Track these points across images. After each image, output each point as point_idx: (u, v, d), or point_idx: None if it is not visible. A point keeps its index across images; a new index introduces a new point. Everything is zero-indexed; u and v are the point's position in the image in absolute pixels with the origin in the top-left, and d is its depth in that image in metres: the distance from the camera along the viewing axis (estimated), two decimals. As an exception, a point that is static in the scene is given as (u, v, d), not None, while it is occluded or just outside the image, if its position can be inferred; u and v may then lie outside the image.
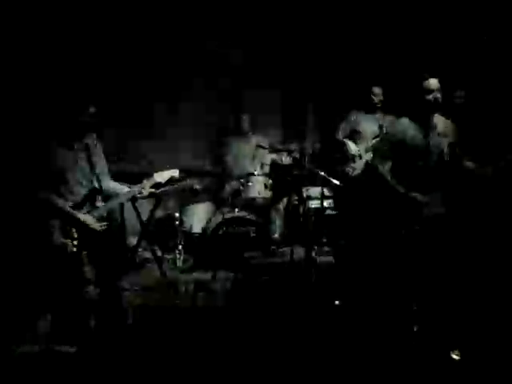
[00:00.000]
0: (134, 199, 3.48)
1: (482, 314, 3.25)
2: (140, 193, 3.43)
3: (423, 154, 3.38)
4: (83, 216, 3.19)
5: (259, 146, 5.15)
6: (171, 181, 3.66)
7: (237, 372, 2.91)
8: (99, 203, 3.33)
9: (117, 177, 3.63)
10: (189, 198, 5.33)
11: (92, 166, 3.28)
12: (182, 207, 5.19)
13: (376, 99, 5.15)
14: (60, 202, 3.17)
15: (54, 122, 3.29)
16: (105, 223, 3.30)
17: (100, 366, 2.95)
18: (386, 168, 3.46)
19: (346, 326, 3.43)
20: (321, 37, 6.11)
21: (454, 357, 2.94)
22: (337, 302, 3.84)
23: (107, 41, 5.53)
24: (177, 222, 5.10)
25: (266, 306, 3.89)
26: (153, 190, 3.52)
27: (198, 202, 5.42)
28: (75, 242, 3.16)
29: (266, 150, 5.28)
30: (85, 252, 3.22)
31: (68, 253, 3.14)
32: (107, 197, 3.43)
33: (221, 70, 6.14)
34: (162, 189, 4.14)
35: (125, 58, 5.70)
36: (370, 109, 5.19)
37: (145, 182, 3.44)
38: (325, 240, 5.44)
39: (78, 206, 3.22)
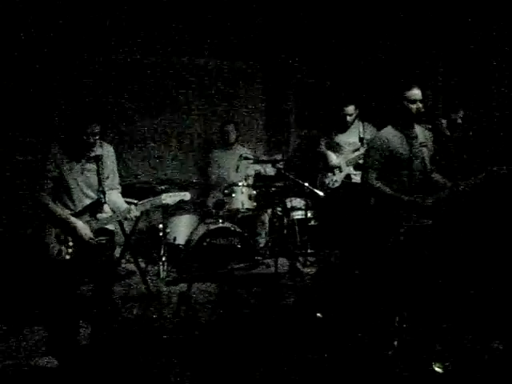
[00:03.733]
0: (126, 219, 3.40)
1: (465, 326, 3.26)
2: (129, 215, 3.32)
3: (408, 162, 3.41)
4: (80, 224, 3.15)
5: (243, 158, 5.16)
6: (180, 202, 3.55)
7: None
8: (104, 214, 3.29)
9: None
10: (173, 209, 5.31)
11: (100, 178, 3.26)
12: (166, 219, 5.16)
13: (350, 118, 5.21)
14: (58, 210, 3.13)
15: (61, 136, 3.26)
16: (101, 238, 3.26)
17: (91, 374, 2.91)
18: (375, 178, 3.46)
19: (327, 338, 3.41)
20: (302, 45, 6.19)
21: (437, 369, 2.93)
22: (318, 315, 3.80)
23: (92, 54, 5.56)
24: (160, 234, 5.06)
25: (251, 317, 3.88)
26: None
27: (181, 213, 5.40)
28: (70, 250, 3.12)
29: (251, 161, 5.29)
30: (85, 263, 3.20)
31: (62, 260, 3.10)
32: None
33: (206, 82, 6.17)
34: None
35: (110, 73, 5.73)
36: (345, 127, 5.25)
37: (131, 209, 3.31)
38: (309, 250, 5.45)
39: (76, 215, 3.18)
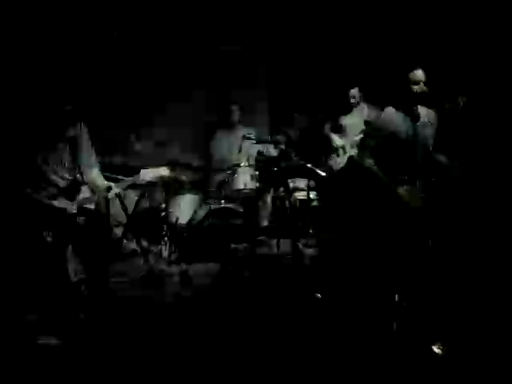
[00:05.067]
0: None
1: (465, 307, 3.26)
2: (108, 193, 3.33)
3: (411, 144, 3.41)
4: (60, 202, 3.15)
5: (246, 138, 5.13)
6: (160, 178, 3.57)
7: (224, 366, 2.90)
8: (83, 194, 3.29)
9: (106, 169, 3.59)
10: (175, 189, 5.31)
11: (75, 159, 3.24)
12: (168, 199, 5.16)
13: (354, 101, 5.19)
14: (33, 193, 3.13)
15: (33, 117, 3.23)
16: (82, 218, 3.26)
17: (88, 358, 2.92)
18: (368, 155, 3.47)
19: (327, 319, 3.43)
20: (306, 29, 6.12)
21: (436, 350, 2.94)
22: (318, 295, 3.82)
23: (97, 39, 5.50)
24: (163, 214, 5.06)
25: (253, 298, 3.89)
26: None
27: (184, 193, 5.39)
28: (51, 233, 3.12)
29: (253, 142, 5.26)
30: (69, 244, 3.20)
31: (46, 243, 3.10)
32: None
33: (208, 62, 6.11)
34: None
35: (114, 56, 5.67)
36: (349, 109, 5.22)
37: (112, 186, 3.34)
38: (311, 232, 5.45)
39: (54, 198, 3.18)
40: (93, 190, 3.35)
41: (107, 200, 4.30)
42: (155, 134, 6.01)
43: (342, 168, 5.15)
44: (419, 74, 3.38)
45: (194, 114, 6.16)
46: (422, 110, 3.49)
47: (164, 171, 3.49)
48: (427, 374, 2.74)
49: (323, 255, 4.68)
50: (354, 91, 5.18)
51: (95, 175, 3.40)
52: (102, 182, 3.35)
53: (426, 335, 3.03)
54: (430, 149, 3.45)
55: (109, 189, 3.27)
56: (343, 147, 5.18)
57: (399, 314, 3.18)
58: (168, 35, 5.90)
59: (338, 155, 5.22)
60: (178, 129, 6.08)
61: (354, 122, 5.22)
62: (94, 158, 3.44)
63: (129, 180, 3.38)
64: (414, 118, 3.45)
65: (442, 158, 3.52)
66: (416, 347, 2.95)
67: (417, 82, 3.36)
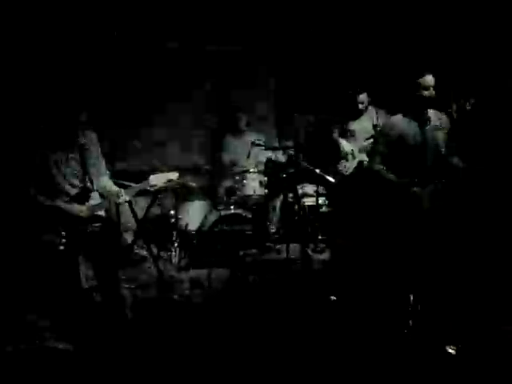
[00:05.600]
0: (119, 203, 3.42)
1: (478, 308, 3.27)
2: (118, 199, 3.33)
3: (420, 149, 3.41)
4: (74, 206, 3.18)
5: (255, 144, 5.16)
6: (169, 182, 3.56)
7: (234, 369, 2.91)
8: (92, 201, 3.32)
9: (116, 176, 3.61)
10: (185, 195, 5.33)
11: (84, 166, 3.27)
12: (178, 205, 5.18)
13: (362, 106, 5.19)
14: (46, 200, 3.15)
15: (45, 124, 3.26)
16: (94, 225, 3.28)
17: (99, 363, 2.94)
18: (379, 162, 3.48)
19: (342, 321, 3.44)
20: (312, 34, 6.13)
21: (450, 351, 2.96)
22: (332, 298, 3.85)
23: (99, 42, 5.53)
24: (172, 220, 5.09)
25: (263, 303, 3.90)
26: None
27: (193, 199, 5.41)
28: (63, 240, 3.14)
29: (262, 148, 5.28)
30: (80, 250, 3.23)
31: (58, 250, 3.13)
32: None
33: (215, 69, 6.15)
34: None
35: (117, 59, 5.71)
36: (357, 114, 5.23)
37: (121, 192, 3.32)
38: (320, 237, 5.46)
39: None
40: (103, 197, 3.37)
41: (118, 206, 4.38)
42: (163, 140, 6.04)
43: (351, 173, 5.15)
44: (429, 79, 3.39)
45: (198, 117, 6.18)
46: (433, 114, 3.49)
47: (173, 175, 3.48)
48: (441, 375, 2.75)
49: (336, 260, 4.68)
50: (363, 96, 5.17)
51: (106, 182, 3.42)
52: (113, 189, 3.38)
53: (440, 336, 3.04)
54: (443, 152, 3.44)
55: (118, 195, 3.29)
56: (352, 152, 5.18)
57: (414, 316, 3.20)
58: (169, 37, 5.90)
59: (347, 160, 5.21)
60: (181, 131, 6.12)
61: (363, 126, 5.22)
62: (103, 166, 3.46)
63: (138, 186, 3.39)
64: (424, 122, 3.45)
65: (455, 161, 3.51)
66: (430, 348, 2.96)
67: (427, 88, 3.37)
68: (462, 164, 3.45)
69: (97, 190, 3.36)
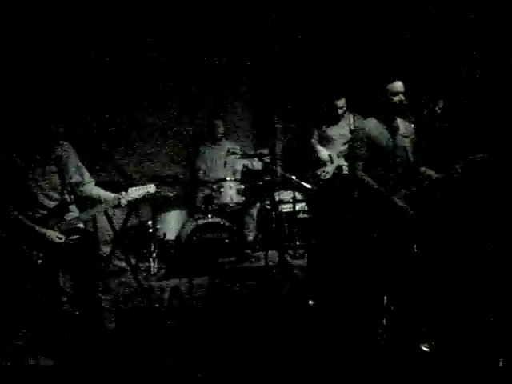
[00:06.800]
0: (117, 207, 3.43)
1: (453, 307, 3.35)
2: (119, 205, 3.41)
3: (391, 154, 3.46)
4: (47, 231, 3.16)
5: (231, 153, 5.19)
6: (146, 196, 3.56)
7: (215, 376, 2.93)
8: (71, 213, 3.32)
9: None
10: (162, 205, 5.34)
11: (63, 179, 3.27)
12: (156, 215, 5.18)
13: (341, 111, 5.24)
14: (25, 220, 3.13)
15: (20, 138, 3.24)
16: (74, 237, 3.27)
17: (80, 376, 2.93)
18: (361, 168, 3.51)
19: (319, 323, 3.49)
20: (289, 41, 6.21)
21: (425, 349, 3.02)
22: (310, 302, 3.89)
23: (80, 53, 5.55)
24: (150, 230, 5.09)
25: (242, 310, 3.93)
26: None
27: (171, 209, 5.42)
28: (41, 254, 3.13)
29: (238, 156, 5.32)
30: (58, 263, 3.22)
31: (36, 264, 3.11)
32: (84, 205, 3.43)
33: (192, 78, 6.18)
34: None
35: (96, 69, 5.71)
36: (336, 120, 5.29)
37: (121, 196, 3.38)
38: (298, 243, 5.51)
39: (44, 219, 3.20)
40: (101, 201, 3.37)
41: (95, 219, 4.36)
42: (138, 149, 6.05)
43: (329, 178, 5.21)
44: (398, 85, 3.41)
45: (174, 126, 6.21)
46: (400, 123, 3.54)
47: (150, 189, 3.51)
48: (417, 373, 2.81)
49: (313, 264, 4.73)
50: (342, 102, 5.22)
51: (94, 190, 3.44)
52: (108, 194, 3.40)
53: (414, 335, 3.10)
54: (411, 160, 3.49)
55: (119, 198, 3.32)
56: (330, 158, 5.22)
57: (387, 316, 3.26)
58: (146, 46, 5.93)
59: (325, 165, 5.26)
60: (160, 142, 6.14)
61: (341, 132, 5.26)
62: (87, 174, 3.46)
63: (121, 197, 3.40)
64: (394, 129, 3.51)
65: (426, 170, 3.56)
66: (405, 346, 3.03)
67: (395, 93, 3.40)
68: (434, 174, 3.49)
69: (74, 203, 3.35)
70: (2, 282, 3.24)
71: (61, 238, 3.18)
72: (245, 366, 3.00)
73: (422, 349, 3.02)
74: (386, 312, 3.29)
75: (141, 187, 3.49)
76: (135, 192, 3.44)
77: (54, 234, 3.17)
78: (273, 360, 3.05)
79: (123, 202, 3.37)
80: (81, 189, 3.41)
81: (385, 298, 3.32)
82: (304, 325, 3.51)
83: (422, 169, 3.52)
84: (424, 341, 3.06)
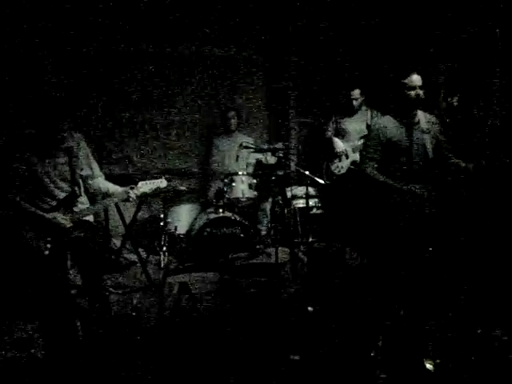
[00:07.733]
0: (127, 201, 3.39)
1: (458, 323, 3.22)
2: (128, 199, 3.37)
3: (407, 150, 3.38)
4: (57, 215, 3.13)
5: (244, 146, 5.12)
6: (157, 191, 3.50)
7: (225, 373, 2.88)
8: (81, 205, 3.29)
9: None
10: (173, 199, 5.30)
11: (73, 170, 3.23)
12: (167, 208, 5.15)
13: (356, 103, 5.19)
14: (32, 208, 3.10)
15: (30, 130, 3.22)
16: (80, 230, 3.23)
17: (87, 370, 2.89)
18: (372, 167, 3.44)
19: (318, 331, 3.39)
20: (303, 36, 6.14)
21: (428, 366, 2.89)
22: (310, 309, 3.78)
23: (91, 44, 5.54)
24: (161, 224, 5.05)
25: (253, 306, 3.87)
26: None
27: (182, 203, 5.38)
28: (48, 245, 3.10)
29: (251, 150, 5.26)
30: (68, 255, 3.19)
31: (44, 255, 3.08)
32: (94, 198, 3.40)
33: (207, 70, 6.13)
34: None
35: (110, 61, 5.70)
36: (351, 111, 5.22)
37: (130, 190, 3.33)
38: (311, 239, 5.43)
39: (53, 210, 3.16)
40: (94, 200, 3.34)
41: (107, 211, 4.33)
42: (151, 142, 6.01)
43: (344, 173, 5.14)
44: (415, 78, 3.35)
45: (187, 119, 6.15)
46: (422, 116, 3.47)
47: (161, 183, 3.47)
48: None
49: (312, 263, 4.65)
50: (357, 92, 5.18)
51: (103, 184, 3.40)
52: (116, 188, 3.36)
53: (418, 350, 2.98)
54: (430, 156, 3.39)
55: (128, 192, 3.29)
56: (346, 152, 5.16)
57: (392, 329, 3.14)
58: (168, 40, 5.92)
59: (340, 160, 5.20)
60: (171, 134, 6.09)
61: (357, 126, 5.21)
62: (96, 168, 3.43)
63: (131, 192, 3.36)
64: (411, 124, 3.42)
65: (456, 161, 3.46)
66: (409, 362, 2.91)
67: (412, 88, 3.34)
68: (463, 163, 3.40)
69: (81, 195, 3.32)
70: (7, 271, 3.24)
71: (68, 222, 3.15)
72: (245, 366, 2.95)
73: (424, 365, 2.87)
74: (389, 322, 3.16)
75: (152, 181, 3.45)
76: (145, 186, 3.40)
77: (61, 217, 3.13)
78: (279, 357, 2.99)
79: (132, 196, 3.32)
80: (90, 182, 3.38)
81: (390, 305, 3.20)
82: (302, 332, 3.40)
83: (454, 159, 3.43)
84: (428, 357, 2.87)
